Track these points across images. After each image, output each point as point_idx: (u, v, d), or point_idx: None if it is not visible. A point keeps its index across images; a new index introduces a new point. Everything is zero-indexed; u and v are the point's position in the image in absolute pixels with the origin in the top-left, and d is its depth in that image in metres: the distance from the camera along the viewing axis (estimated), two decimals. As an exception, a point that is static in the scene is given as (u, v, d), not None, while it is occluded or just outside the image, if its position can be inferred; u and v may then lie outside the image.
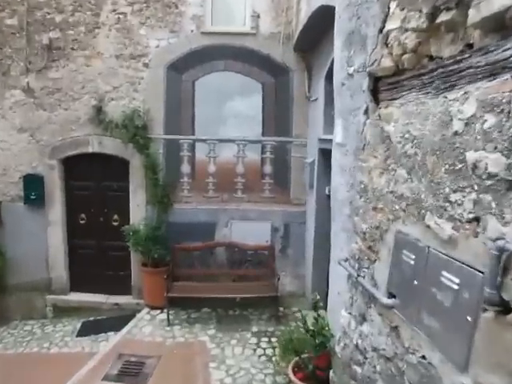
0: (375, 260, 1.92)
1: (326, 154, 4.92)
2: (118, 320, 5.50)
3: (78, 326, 5.53)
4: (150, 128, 5.55)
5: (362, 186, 2.20)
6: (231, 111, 5.62)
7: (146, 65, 5.56)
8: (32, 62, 5.64)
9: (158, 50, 5.53)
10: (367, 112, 2.19)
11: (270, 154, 5.67)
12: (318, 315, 2.90)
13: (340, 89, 2.81)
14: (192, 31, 5.51)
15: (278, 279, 5.12)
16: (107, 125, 5.56)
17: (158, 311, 5.38)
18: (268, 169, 5.68)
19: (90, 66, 5.60)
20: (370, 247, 2.01)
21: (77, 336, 5.25)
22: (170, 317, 5.13)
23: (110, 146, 5.62)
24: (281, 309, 5.32)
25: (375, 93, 2.13)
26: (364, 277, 2.04)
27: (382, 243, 1.86)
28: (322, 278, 5.12)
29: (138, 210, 5.63)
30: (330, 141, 4.52)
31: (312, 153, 5.29)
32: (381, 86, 2.08)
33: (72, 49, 5.60)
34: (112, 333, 5.18)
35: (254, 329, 4.97)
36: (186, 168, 5.66)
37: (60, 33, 5.58)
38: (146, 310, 5.49)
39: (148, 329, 4.98)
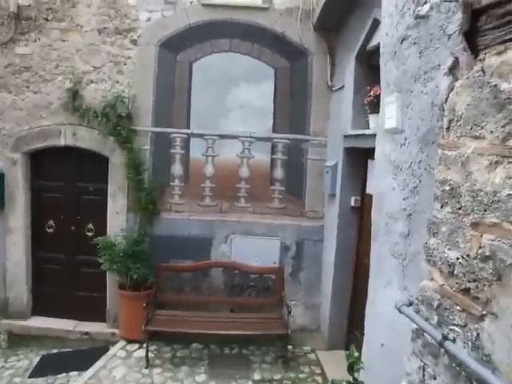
0: (483, 316, 1.20)
1: (353, 155, 4.34)
2: (86, 354, 4.83)
3: (36, 360, 4.82)
4: (135, 118, 4.98)
5: (448, 187, 1.50)
6: (236, 101, 5.05)
7: (133, 42, 5.02)
8: (-4, 33, 5.10)
9: (149, 24, 5.00)
10: (455, 69, 1.52)
11: (281, 155, 5.08)
12: (355, 380, 2.13)
13: (397, 48, 2.27)
14: (191, 2, 5.01)
15: (289, 312, 4.41)
16: (84, 113, 5.00)
17: (136, 346, 4.71)
18: (279, 173, 5.09)
19: (67, 41, 5.05)
20: (466, 291, 1.30)
21: (30, 376, 4.52)
22: (150, 355, 4.45)
23: (87, 138, 5.01)
24: (289, 347, 4.62)
25: (470, 36, 1.47)
26: (454, 340, 1.32)
27: (499, 287, 1.14)
28: (342, 311, 4.58)
29: (117, 219, 5.02)
30: (361, 137, 3.96)
31: (334, 154, 4.66)
32: (482, 25, 1.42)
33: (46, 19, 5.07)
34: (75, 373, 4.48)
35: (256, 376, 4.27)
36: (177, 169, 5.08)
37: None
38: (122, 343, 4.83)
39: (120, 371, 4.28)
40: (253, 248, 4.95)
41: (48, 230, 5.32)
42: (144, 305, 4.34)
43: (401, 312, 1.89)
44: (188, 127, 5.04)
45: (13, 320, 5.23)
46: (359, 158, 4.31)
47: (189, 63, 5.03)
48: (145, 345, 4.41)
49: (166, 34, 4.96)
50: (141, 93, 4.95)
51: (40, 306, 5.38)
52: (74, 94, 4.97)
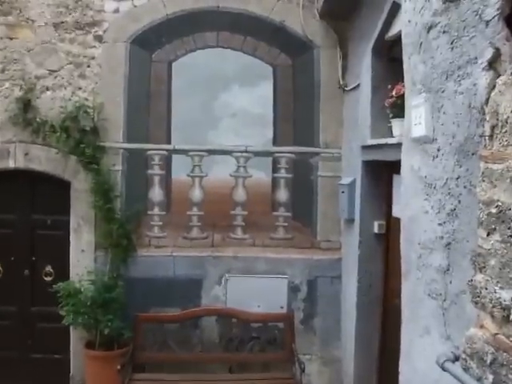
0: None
1: (374, 170, 4.37)
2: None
3: None
4: (102, 133, 5.04)
5: (495, 209, 1.51)
6: (226, 108, 5.15)
7: (98, 38, 5.13)
8: None
9: (118, 16, 5.12)
10: (496, 62, 1.57)
11: (285, 173, 5.13)
12: None
13: (423, 38, 2.33)
14: (168, -11, 5.10)
15: (303, 370, 4.35)
16: (38, 127, 5.04)
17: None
18: (283, 195, 5.13)
19: (15, 39, 5.13)
20: (527, 342, 1.29)
21: None
22: (127, 432, 4.35)
23: (42, 159, 5.06)
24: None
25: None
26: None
27: None
28: (370, 366, 4.49)
29: (83, 259, 5.03)
30: (383, 147, 3.99)
31: (351, 169, 4.72)
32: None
33: (-13, 13, 5.16)
34: None
35: None
36: (157, 193, 5.12)
37: (-29, -12, 5.19)
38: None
39: None
40: (254, 290, 4.92)
41: (-6, 276, 5.30)
42: (118, 367, 4.28)
43: (444, 369, 1.87)
44: (169, 142, 5.10)
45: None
46: (382, 172, 4.34)
47: (167, 63, 5.13)
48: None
49: (139, 28, 5.06)
50: (109, 101, 5.02)
51: (-16, 372, 5.31)
52: (26, 105, 5.00)
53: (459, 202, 2.18)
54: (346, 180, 4.70)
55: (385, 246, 4.42)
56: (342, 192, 4.70)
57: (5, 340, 5.26)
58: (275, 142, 5.12)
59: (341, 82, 5.00)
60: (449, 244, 2.25)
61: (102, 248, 5.00)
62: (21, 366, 5.23)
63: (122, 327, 4.68)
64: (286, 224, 5.09)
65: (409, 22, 2.77)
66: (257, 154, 5.09)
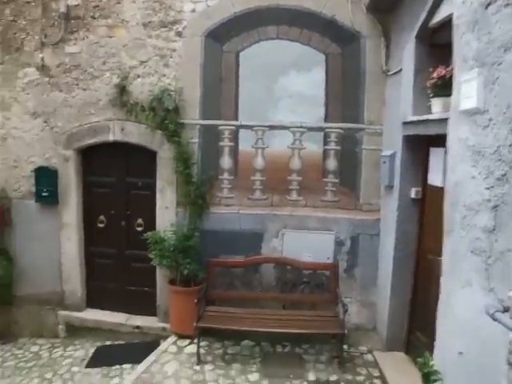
0: None
1: (413, 143, 4.03)
2: (137, 348, 4.86)
3: (91, 351, 4.94)
4: (182, 111, 4.86)
5: None
6: (285, 90, 4.82)
7: (179, 34, 4.90)
8: (48, 34, 5.19)
9: (194, 15, 4.86)
10: None
11: (334, 145, 4.78)
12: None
13: (479, 15, 2.08)
14: (236, -10, 4.78)
15: (346, 310, 4.17)
16: (131, 107, 4.96)
17: (187, 341, 4.65)
18: (332, 164, 4.80)
19: (113, 38, 5.05)
20: None
21: (86, 366, 4.63)
22: (202, 351, 4.36)
23: (135, 133, 4.97)
24: (345, 346, 4.37)
25: None
26: None
27: None
28: (402, 310, 4.25)
29: (167, 214, 4.95)
30: (423, 123, 3.61)
31: (391, 143, 4.35)
32: None
33: (93, 17, 5.09)
34: (128, 366, 4.52)
35: (311, 376, 4.06)
36: (226, 162, 4.91)
37: (80, -1, 5.08)
38: (173, 338, 4.77)
39: (172, 366, 4.21)
40: (305, 243, 4.69)
41: (99, 225, 5.35)
42: (195, 301, 4.23)
43: (494, 319, 1.63)
44: (236, 119, 4.85)
45: (69, 311, 5.36)
46: (420, 146, 3.97)
47: (235, 53, 4.85)
48: (196, 340, 4.33)
49: (212, 24, 4.80)
50: (188, 85, 4.83)
51: (93, 299, 5.45)
52: (122, 90, 4.93)
53: (510, 167, 1.90)
54: (387, 152, 4.33)
55: (420, 209, 4.09)
56: (384, 162, 4.35)
57: (108, 275, 5.41)
58: (326, 119, 4.75)
59: (384, 68, 4.58)
60: (496, 206, 2.02)
61: (181, 205, 4.91)
62: (119, 296, 5.35)
63: (198, 269, 4.63)
64: (334, 189, 4.77)
65: (463, 3, 2.42)
66: (310, 129, 4.75)
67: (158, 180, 4.96)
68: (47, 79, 5.23)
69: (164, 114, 4.80)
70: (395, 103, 4.28)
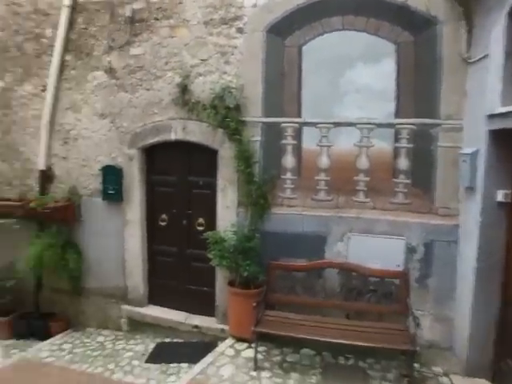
0: None
1: (501, 139, 3.52)
2: (195, 347, 4.83)
3: (151, 347, 5.01)
4: (244, 109, 4.72)
5: None
6: (351, 84, 4.47)
7: (239, 30, 4.76)
8: (115, 38, 5.35)
9: (255, 10, 4.69)
10: None
11: (406, 143, 4.34)
12: None
13: None
14: (299, -19, 4.54)
15: (418, 325, 3.76)
16: (193, 106, 4.93)
17: (245, 345, 4.51)
18: (403, 163, 4.36)
19: (175, 37, 5.05)
20: None
21: (146, 361, 4.68)
22: (259, 356, 4.19)
23: (196, 131, 4.93)
24: (415, 365, 3.96)
25: None
26: None
27: None
28: (487, 329, 3.76)
29: (227, 214, 4.84)
30: None
31: (473, 139, 3.87)
32: None
33: (156, 19, 5.14)
34: (186, 365, 4.48)
35: (377, 394, 3.71)
36: (289, 161, 4.67)
37: (144, 2, 5.16)
38: (231, 340, 4.66)
39: (228, 370, 4.08)
40: (373, 248, 4.31)
41: (161, 224, 5.39)
42: (254, 304, 4.07)
43: None
44: (299, 116, 4.58)
45: (132, 306, 5.48)
46: (509, 142, 3.48)
47: (298, 47, 4.60)
48: (254, 345, 4.16)
49: (273, 19, 4.59)
50: (249, 82, 4.68)
51: (155, 296, 5.52)
52: (183, 89, 4.91)
53: None
54: (467, 150, 3.85)
55: (508, 214, 3.58)
56: (464, 161, 3.87)
57: (169, 273, 5.45)
58: (397, 115, 4.32)
59: (464, 55, 4.08)
60: None
61: (242, 205, 4.76)
62: (179, 294, 5.37)
63: (258, 271, 4.46)
64: (405, 190, 4.31)
65: None
66: (379, 125, 4.35)
67: (219, 179, 4.87)
68: (114, 81, 5.38)
69: (225, 112, 4.68)
70: (478, 94, 3.79)
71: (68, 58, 5.65)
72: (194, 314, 5.22)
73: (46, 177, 5.85)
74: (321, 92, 4.55)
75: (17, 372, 4.73)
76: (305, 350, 4.37)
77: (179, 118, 5.00)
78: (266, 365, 4.14)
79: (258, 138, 4.70)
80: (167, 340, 5.11)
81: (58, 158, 5.82)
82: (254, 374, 3.99)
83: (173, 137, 5.05)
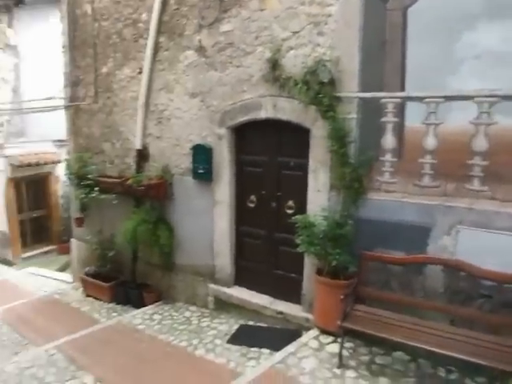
0: None
1: None
2: (278, 334, 4.69)
3: (234, 328, 4.99)
4: (338, 84, 4.26)
5: None
6: (469, 49, 3.81)
7: (335, -4, 4.25)
8: (205, 16, 5.22)
9: (353, -29, 4.12)
10: None
11: (540, 119, 3.51)
12: None
13: None
14: None
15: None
16: (284, 82, 4.61)
17: (330, 339, 4.20)
18: (535, 144, 3.53)
19: (265, 10, 4.73)
20: None
21: (228, 341, 4.67)
22: (345, 353, 3.87)
23: (287, 109, 4.63)
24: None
25: None
26: None
27: None
28: None
29: (318, 197, 4.50)
30: None
31: None
32: None
33: (245, -7, 4.85)
34: (267, 351, 4.34)
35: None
36: (389, 141, 4.11)
37: (232, -23, 4.93)
38: (315, 332, 4.38)
39: (310, 363, 3.83)
40: (489, 246, 3.58)
41: (249, 205, 5.26)
42: (342, 296, 3.71)
43: None
44: (403, 89, 4.03)
45: (218, 286, 5.52)
46: None
47: (402, 10, 4.03)
48: (340, 340, 3.84)
49: (376, -21, 4.06)
50: (345, 54, 4.19)
51: (241, 278, 5.48)
52: (274, 64, 4.61)
53: None
54: None
55: None
56: None
57: (256, 255, 5.33)
58: (530, 84, 3.50)
59: None
60: None
61: (335, 189, 4.35)
62: (266, 278, 5.23)
63: (348, 261, 4.08)
64: (537, 177, 3.50)
65: None
66: (505, 97, 3.53)
67: (311, 160, 4.52)
68: (204, 60, 5.31)
69: (318, 88, 4.28)
70: None
71: (161, 39, 5.74)
72: (279, 299, 5.05)
73: (142, 156, 6.10)
74: (429, 61, 3.94)
75: (114, 334, 5.16)
76: (398, 354, 3.90)
77: (269, 95, 4.73)
78: (352, 363, 3.79)
79: (354, 116, 4.21)
80: (250, 323, 5.06)
81: (153, 137, 6.02)
82: (337, 371, 3.68)
83: (263, 115, 4.82)
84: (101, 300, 6.47)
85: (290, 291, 4.92)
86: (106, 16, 6.42)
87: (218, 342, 4.67)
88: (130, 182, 5.86)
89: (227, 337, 4.74)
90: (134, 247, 6.04)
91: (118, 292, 6.27)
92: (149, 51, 5.75)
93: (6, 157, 9.85)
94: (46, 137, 10.38)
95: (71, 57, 7.00)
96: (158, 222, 5.80)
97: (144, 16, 5.88)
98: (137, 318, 5.50)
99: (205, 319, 5.34)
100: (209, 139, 5.35)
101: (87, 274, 6.68)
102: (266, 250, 5.21)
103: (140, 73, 5.98)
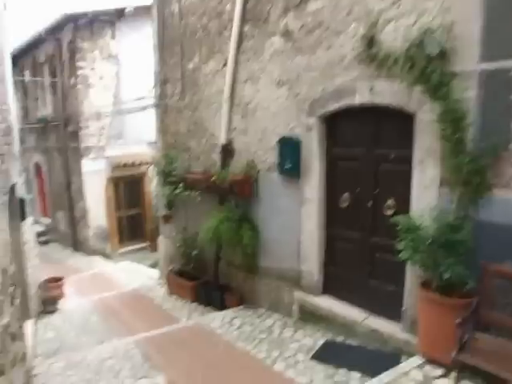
0: None
1: None
2: (372, 355, 3.98)
3: (320, 342, 4.40)
4: (452, 56, 3.47)
5: None
6: None
7: None
8: (290, -3, 4.77)
9: None
10: None
11: None
12: None
13: None
14: None
15: None
16: (382, 61, 3.93)
17: (440, 371, 3.36)
18: None
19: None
20: None
21: (312, 357, 4.10)
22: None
23: (386, 92, 3.95)
24: None
25: None
26: None
27: None
28: None
29: (425, 195, 3.74)
30: None
31: None
32: None
33: (332, -36, 4.28)
34: (357, 375, 3.70)
35: None
36: (522, 123, 3.18)
37: None
38: (419, 359, 3.57)
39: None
40: None
41: (342, 204, 4.65)
42: (458, 320, 2.96)
43: None
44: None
45: (304, 293, 4.99)
46: None
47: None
48: (453, 376, 3.07)
49: None
50: (461, 17, 3.37)
51: (330, 286, 4.89)
52: (370, 41, 3.97)
53: None
54: None
55: None
56: None
57: (348, 262, 4.70)
58: None
59: None
60: None
61: (447, 184, 3.53)
62: (358, 288, 4.58)
63: (466, 275, 3.24)
64: None
65: None
66: None
67: (416, 151, 3.77)
68: (290, 45, 4.86)
69: (425, 63, 3.54)
70: None
71: (246, 28, 5.45)
72: (374, 314, 4.37)
73: (227, 151, 5.87)
74: None
75: (191, 335, 5.00)
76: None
77: (365, 78, 4.10)
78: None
79: (473, 93, 3.36)
80: (339, 338, 4.42)
81: (238, 131, 5.74)
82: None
83: (357, 100, 4.20)
84: (183, 299, 6.41)
85: (388, 306, 4.20)
86: (192, 12, 6.35)
87: (300, 357, 4.15)
88: (213, 178, 5.65)
89: (311, 352, 4.19)
90: (215, 246, 5.82)
91: (200, 292, 6.12)
92: (233, 42, 5.51)
93: (107, 157, 10.55)
94: (141, 139, 10.90)
95: (160, 56, 7.11)
96: (242, 221, 5.48)
97: (228, 7, 5.65)
98: (216, 320, 5.26)
99: (288, 329, 4.86)
100: (296, 131, 4.87)
101: (171, 272, 6.68)
102: (360, 256, 4.55)
103: (225, 65, 5.76)
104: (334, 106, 4.44)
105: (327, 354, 4.12)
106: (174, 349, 4.63)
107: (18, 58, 13.52)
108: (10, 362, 3.09)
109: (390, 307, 4.16)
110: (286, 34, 4.88)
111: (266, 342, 4.59)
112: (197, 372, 4.11)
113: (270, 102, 5.19)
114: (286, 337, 4.67)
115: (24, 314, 5.48)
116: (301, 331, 4.74)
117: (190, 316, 5.77)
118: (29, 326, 5.51)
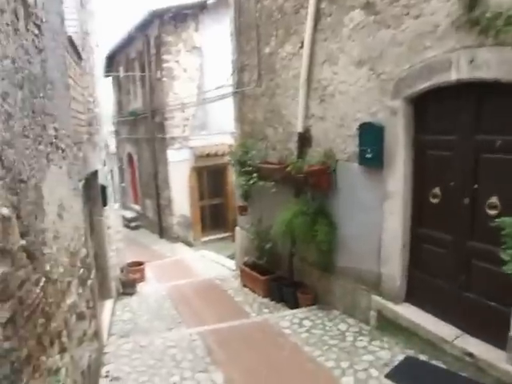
0: None
1: None
2: (463, 384, 3.30)
3: (399, 358, 3.83)
4: None
5: None
6: None
7: None
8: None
9: None
10: None
11: None
12: None
13: None
14: None
15: None
16: (488, 24, 3.17)
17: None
18: None
19: None
20: None
21: (387, 376, 3.56)
22: None
23: (492, 63, 3.19)
24: None
25: None
26: None
27: None
28: None
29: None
30: None
31: None
32: None
33: None
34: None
35: None
36: None
37: None
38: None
39: None
40: None
41: (432, 201, 3.98)
42: None
43: None
44: None
45: (384, 300, 4.42)
46: None
47: None
48: None
49: None
50: None
51: (414, 294, 4.26)
52: (471, 2, 3.23)
53: None
54: None
55: None
56: None
57: (437, 268, 4.01)
58: None
59: None
60: None
61: None
62: (450, 300, 3.87)
63: None
64: None
65: None
66: None
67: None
68: (372, 18, 4.24)
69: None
70: None
71: (323, 5, 4.92)
72: (469, 334, 3.65)
73: (304, 139, 5.46)
74: None
75: (257, 333, 4.77)
76: None
77: (463, 48, 3.36)
78: None
79: None
80: (422, 357, 3.80)
81: (315, 118, 5.29)
82: None
83: (453, 77, 3.48)
84: (255, 293, 6.22)
85: (489, 326, 3.47)
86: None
87: (373, 372, 3.65)
88: (289, 168, 5.29)
89: (387, 369, 3.66)
90: (288, 241, 5.48)
91: (273, 287, 5.86)
92: (309, 21, 5.03)
93: (191, 148, 10.79)
94: (224, 129, 10.95)
95: (237, 43, 6.91)
96: (318, 215, 5.04)
97: (303, -17, 5.19)
98: (286, 319, 4.95)
99: (362, 338, 4.37)
100: (379, 116, 4.27)
101: (245, 264, 6.53)
102: (453, 263, 3.85)
103: (301, 47, 5.33)
104: (423, 85, 3.76)
105: (406, 375, 3.55)
106: (237, 345, 4.46)
107: (115, 56, 14.54)
108: (77, 339, 3.12)
109: (491, 328, 3.44)
110: (367, 6, 4.29)
111: (336, 349, 4.16)
112: (257, 373, 3.86)
113: (349, 85, 4.64)
114: (359, 346, 4.19)
115: (104, 294, 5.78)
116: (377, 342, 4.22)
117: (259, 311, 5.57)
118: (107, 306, 5.78)
